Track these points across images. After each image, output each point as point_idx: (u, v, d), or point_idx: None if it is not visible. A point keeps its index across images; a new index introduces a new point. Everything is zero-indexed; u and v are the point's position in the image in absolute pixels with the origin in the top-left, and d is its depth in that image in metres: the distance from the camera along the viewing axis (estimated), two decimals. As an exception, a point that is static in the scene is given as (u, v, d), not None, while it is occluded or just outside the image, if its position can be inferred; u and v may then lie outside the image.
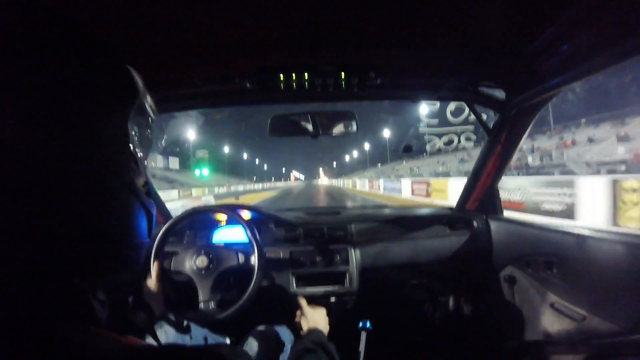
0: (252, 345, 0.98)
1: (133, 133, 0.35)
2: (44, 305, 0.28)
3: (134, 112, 0.35)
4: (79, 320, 0.30)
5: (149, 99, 0.38)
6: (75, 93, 0.30)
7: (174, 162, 56.64)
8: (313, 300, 1.34)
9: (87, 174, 0.30)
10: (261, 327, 1.05)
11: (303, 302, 0.97)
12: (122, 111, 0.34)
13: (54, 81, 0.28)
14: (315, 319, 0.93)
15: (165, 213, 1.49)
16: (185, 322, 0.84)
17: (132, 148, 0.35)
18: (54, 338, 0.26)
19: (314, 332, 0.87)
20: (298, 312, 0.96)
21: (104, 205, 0.32)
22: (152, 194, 0.41)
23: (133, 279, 0.93)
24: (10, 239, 0.26)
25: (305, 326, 0.91)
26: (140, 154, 0.37)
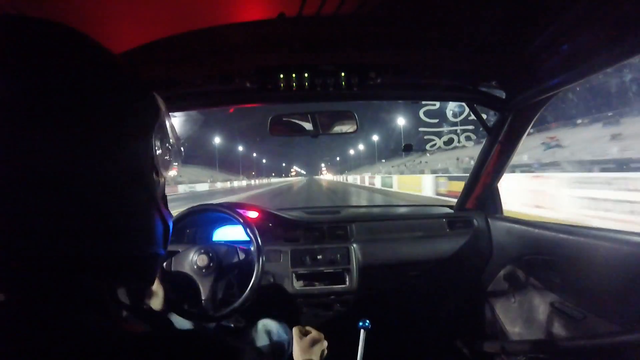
0: (252, 341, 0.98)
1: (155, 147, 0.36)
2: (57, 301, 0.29)
3: (157, 127, 0.37)
4: (93, 316, 0.30)
5: (168, 118, 0.40)
6: (105, 110, 0.31)
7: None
8: (313, 299, 1.36)
9: (110, 179, 0.31)
10: (261, 323, 1.06)
11: (295, 332, 0.89)
12: (147, 126, 0.36)
13: (83, 96, 0.30)
14: (307, 349, 0.85)
15: None
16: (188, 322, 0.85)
17: (154, 160, 0.36)
18: (67, 331, 0.27)
19: None
20: (293, 345, 0.88)
21: (124, 208, 0.33)
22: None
23: (146, 286, 0.93)
24: (29, 233, 0.28)
25: (298, 358, 0.84)
26: (161, 166, 0.38)
